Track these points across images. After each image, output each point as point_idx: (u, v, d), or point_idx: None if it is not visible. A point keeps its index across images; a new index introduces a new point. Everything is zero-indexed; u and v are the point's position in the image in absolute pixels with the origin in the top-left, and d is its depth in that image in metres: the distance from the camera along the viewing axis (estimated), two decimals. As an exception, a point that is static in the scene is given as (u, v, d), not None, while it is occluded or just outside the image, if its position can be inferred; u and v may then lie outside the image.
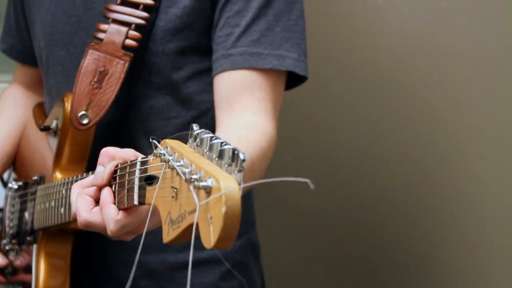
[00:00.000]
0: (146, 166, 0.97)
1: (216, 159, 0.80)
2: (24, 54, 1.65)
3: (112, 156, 1.07)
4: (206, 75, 1.41)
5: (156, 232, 0.98)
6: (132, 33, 1.36)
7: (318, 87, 1.96)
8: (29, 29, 1.58)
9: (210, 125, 1.39)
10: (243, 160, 0.77)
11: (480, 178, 1.82)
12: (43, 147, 1.50)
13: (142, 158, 0.99)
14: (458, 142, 1.85)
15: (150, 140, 0.93)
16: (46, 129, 1.44)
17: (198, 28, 1.38)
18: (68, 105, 1.37)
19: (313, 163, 2.06)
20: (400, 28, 1.91)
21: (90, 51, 1.37)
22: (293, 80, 1.41)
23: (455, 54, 1.84)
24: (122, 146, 1.11)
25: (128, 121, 1.42)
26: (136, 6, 1.37)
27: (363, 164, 1.99)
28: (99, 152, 1.09)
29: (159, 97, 1.41)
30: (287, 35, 1.36)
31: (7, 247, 1.58)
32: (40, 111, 1.60)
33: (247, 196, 1.52)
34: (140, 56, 1.38)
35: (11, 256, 1.56)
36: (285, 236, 2.13)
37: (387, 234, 1.96)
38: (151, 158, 0.95)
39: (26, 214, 1.50)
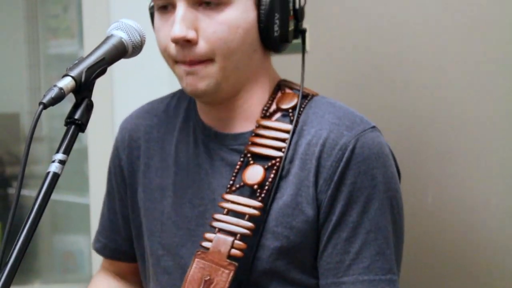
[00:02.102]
0: None
1: None
2: (117, 252, 1.66)
3: None
4: None
5: None
6: (238, 243, 1.38)
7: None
8: (128, 229, 1.61)
9: None
10: None
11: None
12: None
13: None
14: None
15: None
16: None
17: (303, 248, 1.39)
18: None
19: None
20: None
21: (196, 259, 1.39)
22: None
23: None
24: None
25: None
26: (241, 216, 1.39)
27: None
28: None
29: None
30: (395, 258, 1.39)
31: None
32: None
33: None
34: (244, 269, 1.40)
35: None
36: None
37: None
38: None
39: None
